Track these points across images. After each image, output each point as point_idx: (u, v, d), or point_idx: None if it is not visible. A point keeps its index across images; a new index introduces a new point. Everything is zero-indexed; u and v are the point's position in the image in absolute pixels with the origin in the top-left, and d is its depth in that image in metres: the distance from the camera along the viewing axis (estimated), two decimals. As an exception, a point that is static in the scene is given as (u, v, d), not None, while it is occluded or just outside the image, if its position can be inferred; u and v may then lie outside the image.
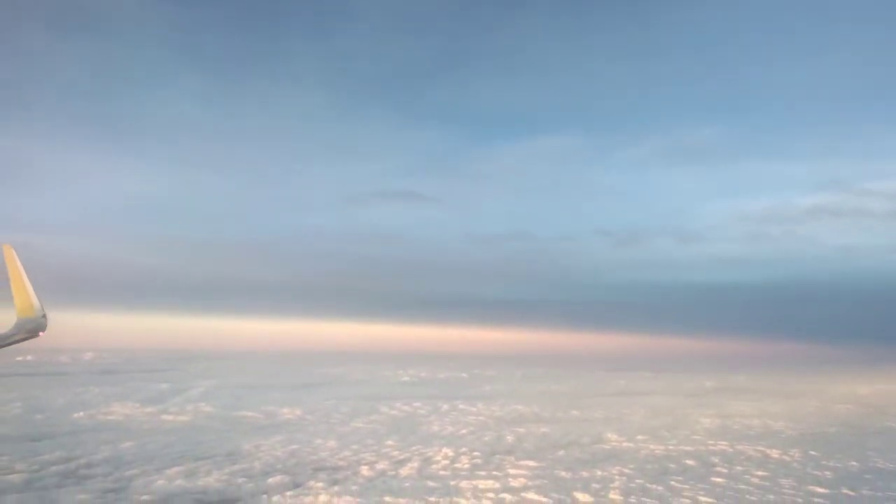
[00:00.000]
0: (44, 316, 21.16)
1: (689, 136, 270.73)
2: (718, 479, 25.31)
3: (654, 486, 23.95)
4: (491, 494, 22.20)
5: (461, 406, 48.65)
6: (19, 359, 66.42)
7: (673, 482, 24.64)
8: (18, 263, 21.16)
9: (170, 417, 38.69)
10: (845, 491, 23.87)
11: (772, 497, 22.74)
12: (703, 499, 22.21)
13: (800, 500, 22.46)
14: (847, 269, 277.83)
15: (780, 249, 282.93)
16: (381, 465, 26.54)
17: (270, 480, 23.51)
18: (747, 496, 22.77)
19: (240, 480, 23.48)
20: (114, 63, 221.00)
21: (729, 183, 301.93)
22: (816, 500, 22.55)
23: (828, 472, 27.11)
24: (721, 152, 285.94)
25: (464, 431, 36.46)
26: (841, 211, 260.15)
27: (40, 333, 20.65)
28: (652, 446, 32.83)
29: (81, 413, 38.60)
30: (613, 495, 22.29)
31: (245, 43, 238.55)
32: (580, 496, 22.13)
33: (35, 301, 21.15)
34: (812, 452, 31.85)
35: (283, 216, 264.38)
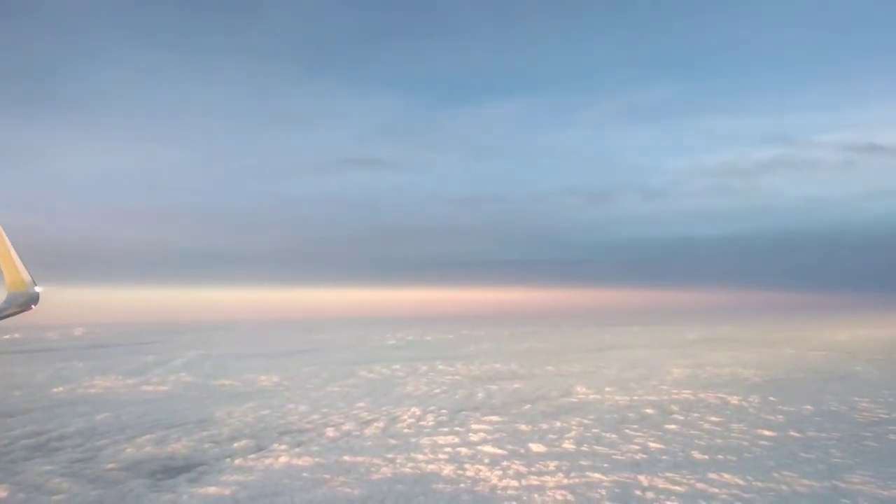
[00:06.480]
0: (35, 288, 21.30)
1: (640, 95, 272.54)
2: (672, 426, 26.20)
3: (609, 434, 24.82)
4: (448, 449, 23.00)
5: (439, 367, 49.52)
6: (6, 337, 66.77)
7: (627, 430, 25.52)
8: (5, 237, 21.22)
9: (149, 388, 39.37)
10: (791, 433, 24.78)
11: (719, 441, 23.61)
12: (652, 444, 23.05)
13: (746, 442, 23.32)
14: (812, 219, 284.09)
15: (745, 202, 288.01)
16: (346, 427, 27.31)
17: (235, 445, 24.27)
18: (696, 440, 23.65)
19: (206, 446, 24.22)
20: (66, 42, 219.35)
21: (683, 140, 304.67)
22: (762, 442, 23.43)
23: (780, 416, 28.05)
24: (673, 110, 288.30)
25: (437, 391, 37.31)
26: (794, 163, 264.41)
27: (32, 306, 20.81)
28: (617, 398, 33.74)
29: (61, 388, 39.22)
30: (566, 444, 23.12)
31: (193, 17, 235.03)
32: (534, 446, 22.95)
33: (25, 274, 21.26)
34: (771, 398, 32.83)
35: (248, 186, 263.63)
